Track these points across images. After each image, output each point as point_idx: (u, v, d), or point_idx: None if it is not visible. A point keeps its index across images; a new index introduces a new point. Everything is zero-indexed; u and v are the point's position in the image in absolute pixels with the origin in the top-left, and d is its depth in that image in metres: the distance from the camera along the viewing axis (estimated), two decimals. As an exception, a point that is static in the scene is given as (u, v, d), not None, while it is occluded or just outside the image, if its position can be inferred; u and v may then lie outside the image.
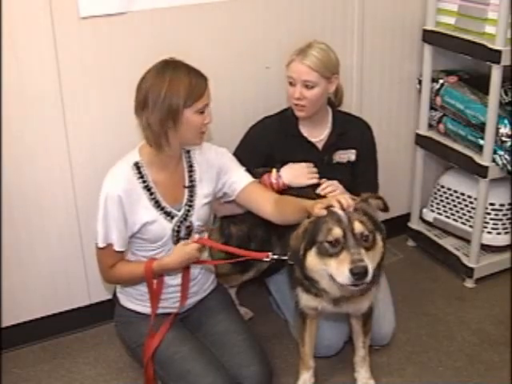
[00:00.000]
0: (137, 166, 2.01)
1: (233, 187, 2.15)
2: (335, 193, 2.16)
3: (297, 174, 2.25)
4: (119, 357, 2.46)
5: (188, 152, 2.12)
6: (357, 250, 1.76)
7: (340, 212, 1.83)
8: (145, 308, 2.15)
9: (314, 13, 2.62)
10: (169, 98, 1.88)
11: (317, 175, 2.26)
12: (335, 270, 1.78)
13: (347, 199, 1.86)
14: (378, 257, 1.88)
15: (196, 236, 2.09)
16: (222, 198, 2.22)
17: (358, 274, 1.73)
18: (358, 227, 1.80)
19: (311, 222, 1.87)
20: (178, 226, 2.07)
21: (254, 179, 2.17)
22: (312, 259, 1.85)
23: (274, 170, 2.25)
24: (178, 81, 1.89)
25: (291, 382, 2.28)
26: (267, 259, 2.02)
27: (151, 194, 2.02)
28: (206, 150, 2.14)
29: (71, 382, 2.35)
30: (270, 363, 2.15)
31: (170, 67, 1.92)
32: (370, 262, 1.76)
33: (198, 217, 2.10)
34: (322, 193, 2.18)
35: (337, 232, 1.79)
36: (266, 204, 2.10)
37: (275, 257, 2.01)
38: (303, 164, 2.27)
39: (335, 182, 2.26)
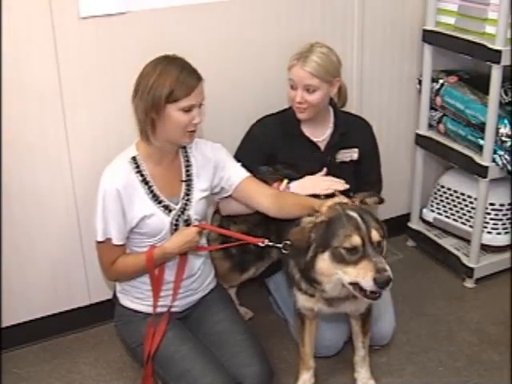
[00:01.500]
0: (134, 160, 2.03)
1: (230, 182, 2.16)
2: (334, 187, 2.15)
3: (307, 186, 2.19)
4: (119, 357, 2.46)
5: (184, 147, 2.13)
6: (378, 258, 1.77)
7: (357, 216, 1.82)
8: (144, 306, 2.15)
9: (314, 13, 2.62)
10: (154, 88, 1.91)
11: (329, 188, 2.15)
12: (355, 278, 1.78)
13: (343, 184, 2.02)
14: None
15: (196, 222, 2.11)
16: (220, 193, 2.22)
17: (383, 283, 1.74)
18: (375, 236, 1.80)
19: (322, 221, 1.85)
20: (176, 220, 2.07)
21: (249, 174, 2.18)
22: (325, 264, 1.84)
23: (285, 181, 2.22)
24: (167, 74, 1.91)
25: (291, 382, 2.28)
26: (262, 245, 2.03)
27: (149, 187, 2.03)
28: (201, 145, 2.16)
29: (71, 382, 2.35)
30: (270, 363, 2.15)
31: (166, 60, 1.95)
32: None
33: (195, 211, 2.11)
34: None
35: (356, 240, 1.78)
36: (264, 198, 2.12)
37: (270, 244, 2.02)
38: (313, 177, 2.23)
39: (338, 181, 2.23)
